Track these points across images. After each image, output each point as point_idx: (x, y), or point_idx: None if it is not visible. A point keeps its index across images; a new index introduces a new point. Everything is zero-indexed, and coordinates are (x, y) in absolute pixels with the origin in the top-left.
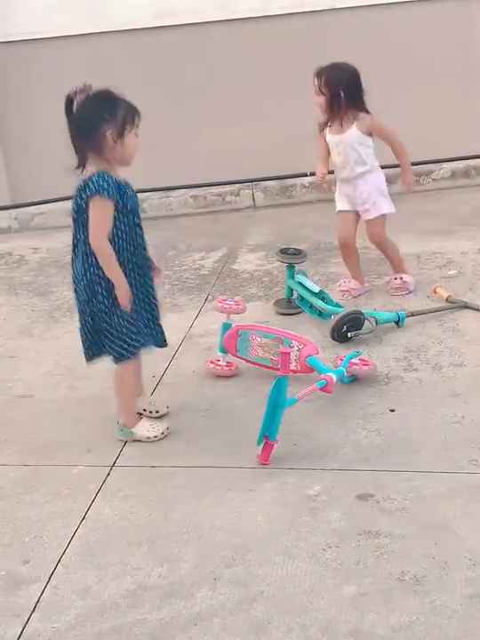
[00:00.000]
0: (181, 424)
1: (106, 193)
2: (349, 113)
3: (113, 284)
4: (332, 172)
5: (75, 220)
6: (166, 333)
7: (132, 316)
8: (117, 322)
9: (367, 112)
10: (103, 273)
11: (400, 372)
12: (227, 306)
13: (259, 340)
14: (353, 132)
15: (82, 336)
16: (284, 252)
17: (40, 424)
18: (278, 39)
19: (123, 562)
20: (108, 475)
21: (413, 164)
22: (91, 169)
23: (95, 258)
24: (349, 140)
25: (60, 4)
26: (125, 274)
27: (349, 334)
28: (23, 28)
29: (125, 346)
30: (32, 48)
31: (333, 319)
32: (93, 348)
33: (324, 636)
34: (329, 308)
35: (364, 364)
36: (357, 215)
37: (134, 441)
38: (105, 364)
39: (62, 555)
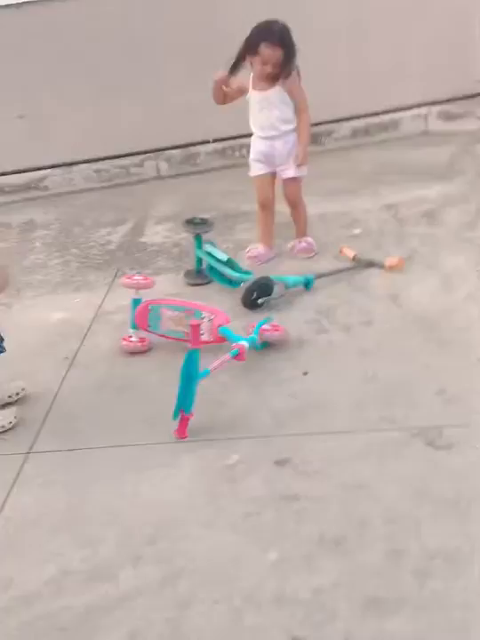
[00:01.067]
0: (96, 403)
1: None
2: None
3: None
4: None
5: None
6: (78, 311)
7: None
8: None
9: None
10: None
11: (311, 334)
12: (135, 281)
13: (169, 313)
14: (278, 89)
15: None
16: (190, 222)
17: None
18: (169, 2)
19: (44, 549)
20: (25, 462)
21: (314, 124)
22: None
23: None
24: (275, 98)
25: None
26: None
27: (259, 301)
28: None
29: None
30: None
31: (243, 287)
32: None
33: (248, 605)
34: (238, 275)
35: (275, 330)
36: (273, 176)
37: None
38: (14, 349)
39: None
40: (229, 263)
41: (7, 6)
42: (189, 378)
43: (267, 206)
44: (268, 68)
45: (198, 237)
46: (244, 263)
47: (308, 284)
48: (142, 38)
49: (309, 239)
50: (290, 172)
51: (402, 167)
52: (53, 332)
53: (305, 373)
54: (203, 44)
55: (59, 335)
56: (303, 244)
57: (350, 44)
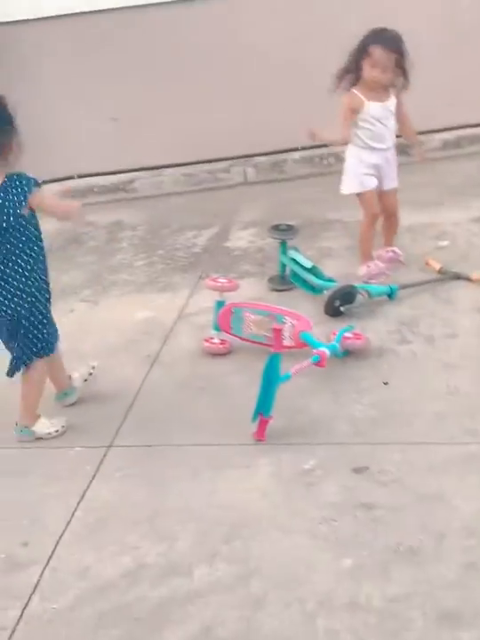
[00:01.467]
0: (177, 402)
1: (35, 183)
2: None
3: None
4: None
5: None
6: (162, 311)
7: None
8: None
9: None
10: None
11: (393, 344)
12: (219, 284)
13: (252, 316)
14: (394, 100)
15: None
16: (276, 228)
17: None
18: (264, 13)
19: (121, 541)
20: (105, 455)
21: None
22: None
23: (34, 268)
24: (392, 108)
25: None
26: (36, 277)
27: (342, 308)
28: (6, 9)
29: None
30: (18, 28)
31: (326, 294)
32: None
33: (321, 609)
34: (322, 282)
35: (357, 338)
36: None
37: (37, 439)
38: (98, 346)
39: (61, 536)
40: (314, 270)
41: (106, 10)
42: (270, 381)
43: (393, 214)
44: (376, 72)
45: (283, 243)
46: (329, 270)
47: (391, 294)
48: (236, 46)
49: (396, 249)
50: (395, 182)
51: None
52: (137, 331)
53: (385, 383)
54: (296, 55)
55: (142, 334)
56: (390, 254)
57: (443, 56)
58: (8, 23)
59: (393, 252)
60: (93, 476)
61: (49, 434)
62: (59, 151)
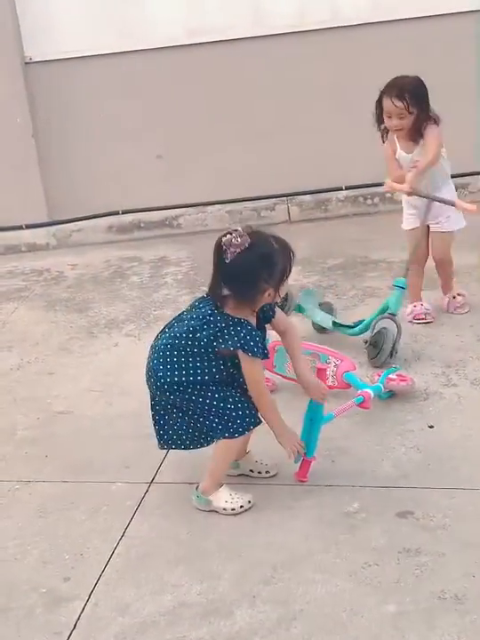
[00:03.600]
0: None
1: (251, 353)
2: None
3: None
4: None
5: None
6: None
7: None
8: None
9: (436, 121)
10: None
11: (439, 387)
12: None
13: None
14: (419, 151)
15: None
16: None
17: (79, 440)
18: (311, 54)
19: (162, 579)
20: (147, 491)
21: (455, 175)
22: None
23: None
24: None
25: (93, 23)
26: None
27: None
28: (59, 47)
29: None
30: (68, 67)
31: (385, 339)
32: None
33: None
34: (355, 331)
35: (402, 380)
36: (426, 229)
37: (210, 511)
38: (141, 381)
39: (102, 572)
40: (337, 326)
41: (154, 49)
42: (313, 421)
43: (419, 259)
44: (394, 122)
45: (299, 307)
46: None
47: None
48: (282, 84)
49: (464, 291)
50: (444, 226)
51: None
52: None
53: (431, 426)
54: (343, 95)
55: None
56: (460, 299)
57: None
58: (58, 60)
59: (461, 296)
60: (134, 512)
61: (225, 509)
62: (106, 186)
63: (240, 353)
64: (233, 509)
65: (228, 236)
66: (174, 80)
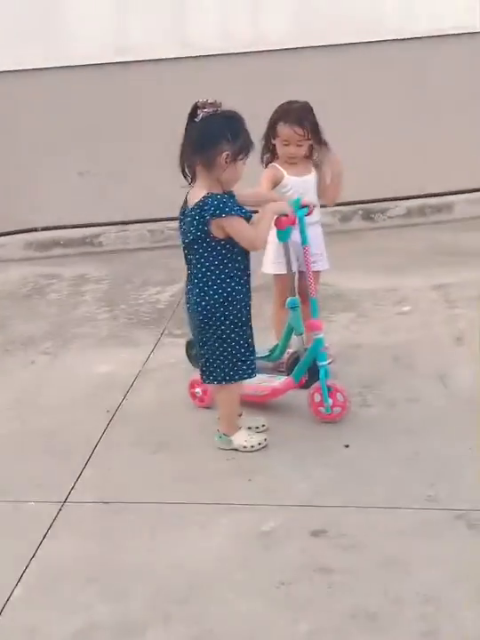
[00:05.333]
0: (135, 458)
1: (232, 211)
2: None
3: (230, 310)
4: None
5: (187, 246)
6: (122, 367)
7: (248, 339)
8: (233, 345)
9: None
10: (220, 300)
11: (355, 407)
12: None
13: None
14: (314, 174)
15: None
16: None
17: None
18: (235, 77)
19: (73, 600)
20: (60, 511)
21: (369, 201)
22: (197, 190)
23: (210, 285)
24: (312, 183)
25: (17, 38)
26: (240, 298)
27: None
28: None
29: (241, 367)
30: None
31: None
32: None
33: None
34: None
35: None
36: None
37: (231, 449)
38: (57, 399)
39: (9, 596)
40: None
41: (78, 66)
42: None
43: (304, 302)
44: (291, 149)
45: None
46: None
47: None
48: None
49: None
50: (319, 265)
51: (454, 249)
52: (97, 385)
53: (346, 446)
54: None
55: (102, 388)
56: None
57: (410, 125)
58: None
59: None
60: (46, 532)
61: (244, 447)
62: (25, 202)
63: (221, 221)
64: (252, 446)
65: (205, 99)
66: (98, 97)
